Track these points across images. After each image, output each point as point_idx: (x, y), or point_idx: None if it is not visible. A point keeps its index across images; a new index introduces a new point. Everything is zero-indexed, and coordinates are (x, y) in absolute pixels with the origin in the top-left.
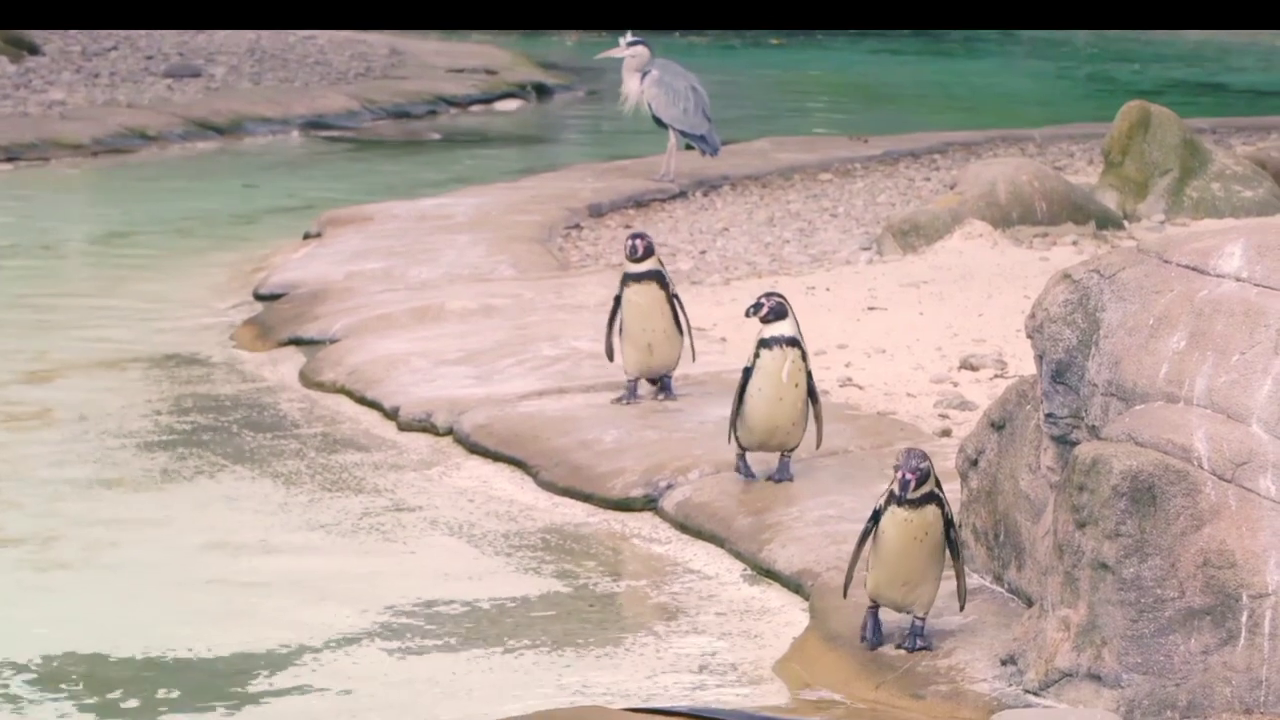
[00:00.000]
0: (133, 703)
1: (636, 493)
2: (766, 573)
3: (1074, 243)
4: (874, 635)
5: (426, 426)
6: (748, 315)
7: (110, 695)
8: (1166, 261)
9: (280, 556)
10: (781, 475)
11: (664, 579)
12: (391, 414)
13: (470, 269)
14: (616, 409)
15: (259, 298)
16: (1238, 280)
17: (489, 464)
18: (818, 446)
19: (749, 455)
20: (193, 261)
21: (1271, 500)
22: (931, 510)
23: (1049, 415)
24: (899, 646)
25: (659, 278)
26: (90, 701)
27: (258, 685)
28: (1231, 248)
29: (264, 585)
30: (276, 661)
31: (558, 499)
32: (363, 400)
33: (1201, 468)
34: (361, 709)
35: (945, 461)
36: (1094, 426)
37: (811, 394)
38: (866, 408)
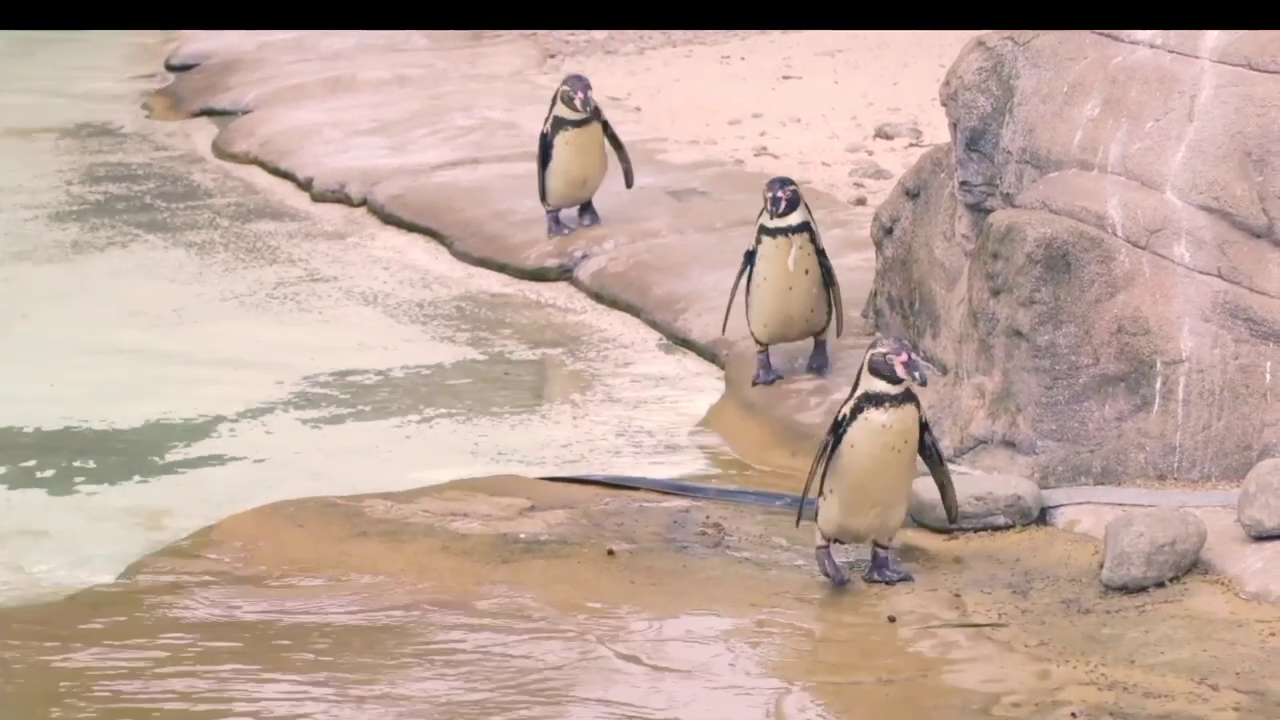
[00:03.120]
0: (48, 473)
1: (551, 262)
2: (682, 342)
3: None
4: (836, 571)
5: (340, 197)
6: (772, 217)
7: (25, 465)
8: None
9: (195, 327)
10: (818, 363)
11: (580, 348)
12: (305, 185)
13: (383, 39)
14: (531, 179)
15: (171, 68)
16: (1152, 47)
17: (403, 234)
18: (839, 335)
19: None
20: (104, 31)
21: (1185, 267)
22: (909, 411)
23: (963, 183)
24: (867, 579)
25: (598, 117)
26: (4, 471)
27: (174, 455)
28: None
29: (179, 356)
30: (192, 432)
31: (472, 269)
32: (276, 171)
33: (1115, 235)
34: (277, 478)
35: (860, 230)
36: (1008, 194)
37: (827, 276)
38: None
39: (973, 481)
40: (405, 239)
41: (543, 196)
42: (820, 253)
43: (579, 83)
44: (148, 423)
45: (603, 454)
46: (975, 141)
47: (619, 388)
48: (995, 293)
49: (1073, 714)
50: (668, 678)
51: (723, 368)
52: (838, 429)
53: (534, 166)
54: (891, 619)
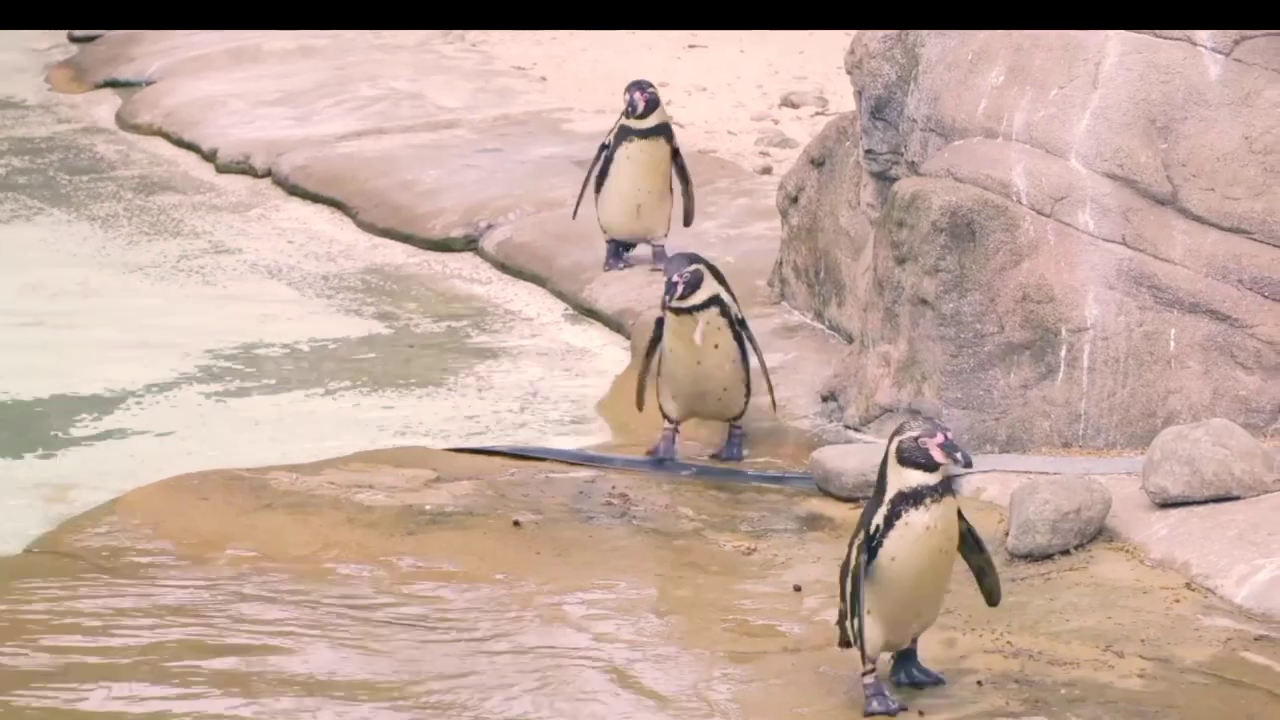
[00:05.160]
0: None
1: (457, 233)
2: (588, 312)
3: None
4: (892, 704)
5: (245, 168)
6: (672, 300)
7: None
8: None
9: (99, 300)
10: (731, 453)
11: (485, 319)
12: (209, 156)
13: None
14: (437, 149)
15: (74, 39)
16: None
17: (308, 205)
18: (774, 409)
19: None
20: None
21: (1090, 234)
22: (950, 503)
23: (868, 151)
24: (714, 456)
25: (667, 132)
26: None
27: (79, 429)
28: None
29: (82, 330)
30: (96, 406)
31: (377, 240)
32: (180, 142)
33: (1020, 202)
34: (182, 452)
35: (766, 199)
36: (913, 162)
37: (744, 350)
38: (687, 146)
39: (878, 451)
40: (310, 210)
41: (576, 211)
42: (738, 323)
43: (636, 86)
44: (51, 396)
45: (508, 425)
46: (880, 110)
47: (524, 359)
48: (900, 261)
49: (979, 682)
50: (572, 648)
51: (628, 338)
52: (870, 543)
53: (439, 137)
54: (797, 588)
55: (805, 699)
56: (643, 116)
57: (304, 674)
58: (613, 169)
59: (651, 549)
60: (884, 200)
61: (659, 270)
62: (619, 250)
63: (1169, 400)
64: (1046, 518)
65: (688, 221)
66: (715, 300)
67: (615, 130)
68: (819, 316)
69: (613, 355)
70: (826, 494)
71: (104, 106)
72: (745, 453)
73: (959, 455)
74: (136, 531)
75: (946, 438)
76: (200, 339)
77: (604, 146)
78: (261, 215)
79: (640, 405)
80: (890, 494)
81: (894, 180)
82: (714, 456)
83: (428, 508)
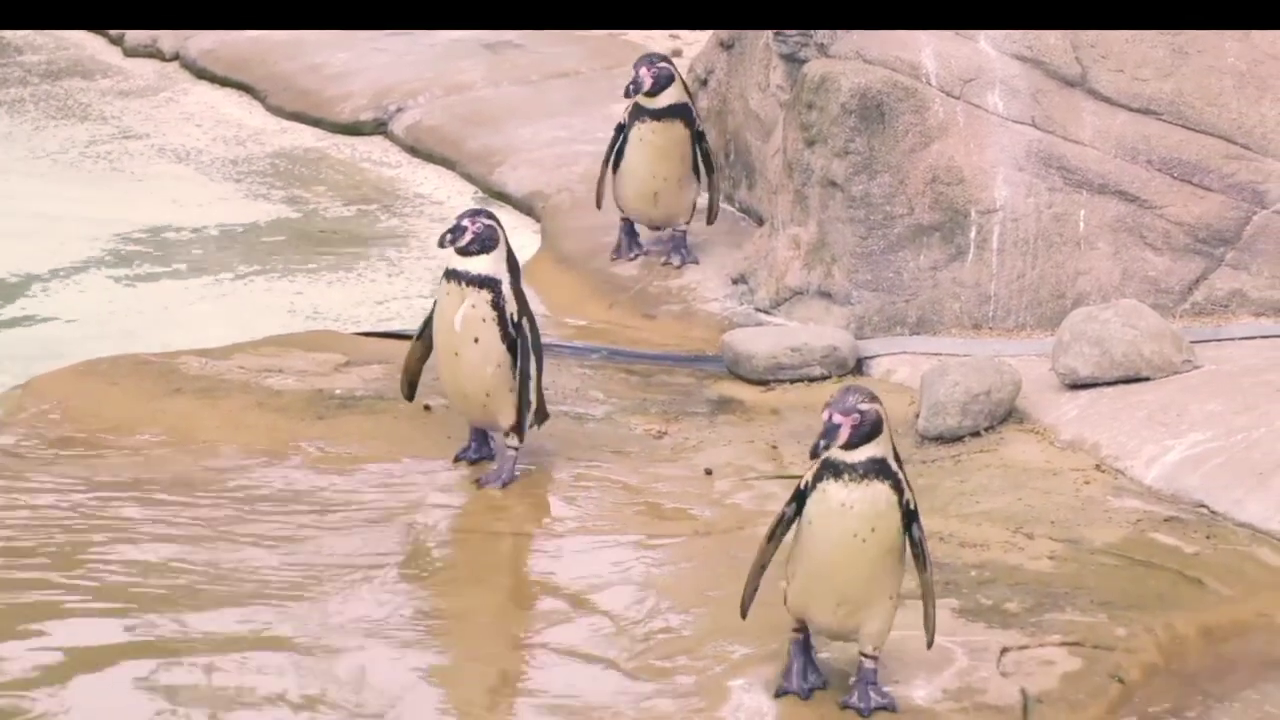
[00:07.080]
0: None
1: (366, 116)
2: (498, 195)
3: None
4: (790, 678)
5: (153, 52)
6: (441, 245)
7: None
8: None
9: (5, 185)
10: (491, 479)
11: (395, 203)
12: (117, 40)
13: None
14: (345, 32)
15: None
16: None
17: (216, 89)
18: (519, 435)
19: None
20: None
21: (999, 116)
22: (878, 490)
23: (778, 33)
24: (843, 703)
25: (685, 114)
26: None
27: None
28: None
29: None
30: (3, 292)
31: (286, 123)
32: None
33: (929, 84)
34: (90, 337)
35: None
36: (823, 44)
37: (514, 356)
38: (597, 28)
39: (789, 333)
40: (219, 94)
41: (598, 201)
42: (511, 325)
43: (646, 60)
44: None
45: (418, 309)
46: None
47: (433, 243)
48: (810, 143)
49: None
50: (481, 532)
51: (538, 220)
52: (801, 498)
53: None
54: (708, 471)
55: (716, 582)
56: (652, 94)
57: (210, 552)
58: (628, 150)
59: (562, 432)
60: (793, 82)
61: (670, 264)
62: (633, 233)
63: (1078, 281)
64: (956, 399)
65: (711, 218)
66: (492, 284)
67: (629, 108)
68: (729, 199)
69: (522, 239)
70: (737, 377)
71: None
72: (516, 475)
73: (820, 444)
74: (45, 416)
75: (832, 417)
76: (108, 224)
77: (620, 126)
78: (170, 99)
79: (407, 395)
80: (822, 458)
81: (803, 62)
82: (477, 480)
83: (338, 392)
